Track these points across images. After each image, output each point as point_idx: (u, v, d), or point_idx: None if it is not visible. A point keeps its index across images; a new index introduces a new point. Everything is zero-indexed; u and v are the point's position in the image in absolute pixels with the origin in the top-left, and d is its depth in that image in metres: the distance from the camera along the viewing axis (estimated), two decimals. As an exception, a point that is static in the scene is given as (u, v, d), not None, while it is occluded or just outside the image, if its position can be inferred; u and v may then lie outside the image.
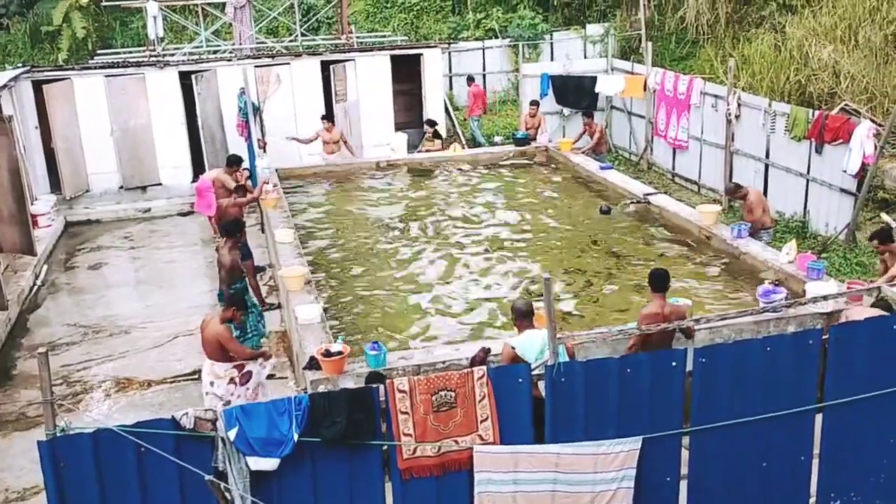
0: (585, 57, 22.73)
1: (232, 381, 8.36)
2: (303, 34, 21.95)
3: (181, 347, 10.95)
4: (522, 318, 7.44)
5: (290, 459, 5.59)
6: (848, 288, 9.00)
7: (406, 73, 18.94)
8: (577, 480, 5.90)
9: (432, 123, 17.79)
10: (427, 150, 17.73)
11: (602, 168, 15.52)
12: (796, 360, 6.01)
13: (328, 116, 16.71)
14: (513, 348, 7.14)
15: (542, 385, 6.05)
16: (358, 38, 21.48)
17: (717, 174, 16.05)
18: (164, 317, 11.90)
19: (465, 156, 17.48)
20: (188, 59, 18.23)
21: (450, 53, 22.16)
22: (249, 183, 13.78)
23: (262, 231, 14.53)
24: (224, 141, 17.15)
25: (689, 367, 5.96)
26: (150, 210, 17.00)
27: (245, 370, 8.42)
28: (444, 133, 18.82)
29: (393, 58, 18.37)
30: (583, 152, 16.53)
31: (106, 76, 16.80)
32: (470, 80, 20.82)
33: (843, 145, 12.88)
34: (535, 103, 18.01)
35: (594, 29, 23.26)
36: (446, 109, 19.91)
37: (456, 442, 5.85)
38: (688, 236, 12.27)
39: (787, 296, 9.03)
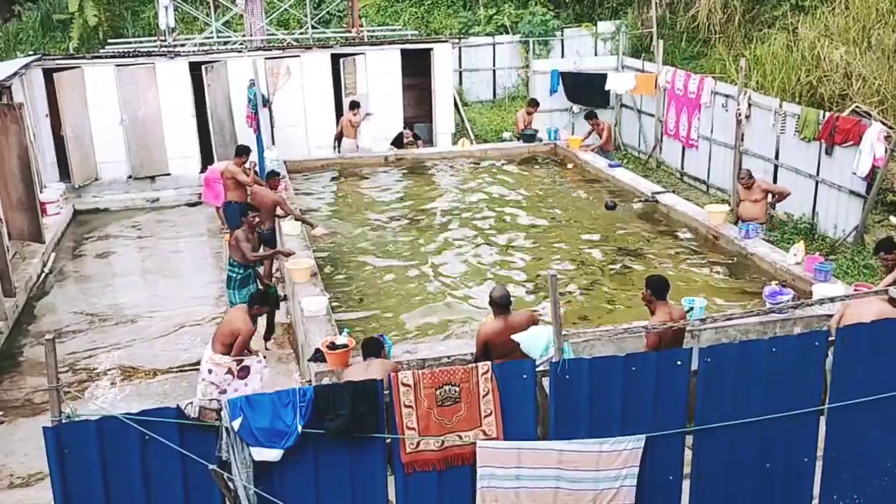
0: (596, 54, 22.68)
1: (229, 371, 8.40)
2: (313, 27, 21.96)
3: (187, 337, 10.98)
4: (498, 307, 7.47)
5: (294, 451, 5.60)
6: (855, 290, 8.98)
7: (416, 68, 18.92)
8: (579, 478, 5.89)
9: (411, 127, 18.01)
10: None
11: (611, 166, 15.51)
12: (802, 361, 5.99)
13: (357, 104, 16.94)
14: (505, 341, 7.16)
15: (546, 382, 6.04)
16: (368, 31, 21.48)
17: (726, 174, 16.00)
18: (170, 306, 11.93)
19: (473, 151, 17.48)
20: (199, 50, 18.26)
21: (460, 48, 22.13)
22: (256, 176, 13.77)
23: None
24: (233, 132, 17.17)
25: (695, 366, 5.95)
26: (158, 200, 17.03)
27: (243, 364, 8.44)
28: (452, 129, 18.89)
29: (403, 52, 18.36)
30: (591, 150, 16.51)
31: (116, 65, 16.82)
32: None
33: (854, 147, 12.83)
34: (535, 103, 17.82)
35: (605, 26, 23.19)
36: (455, 105, 19.89)
37: (459, 437, 5.85)
38: (695, 236, 12.25)
39: (793, 297, 9.02)
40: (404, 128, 18.20)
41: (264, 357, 8.98)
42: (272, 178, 12.52)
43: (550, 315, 5.92)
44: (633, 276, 10.95)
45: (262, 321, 10.37)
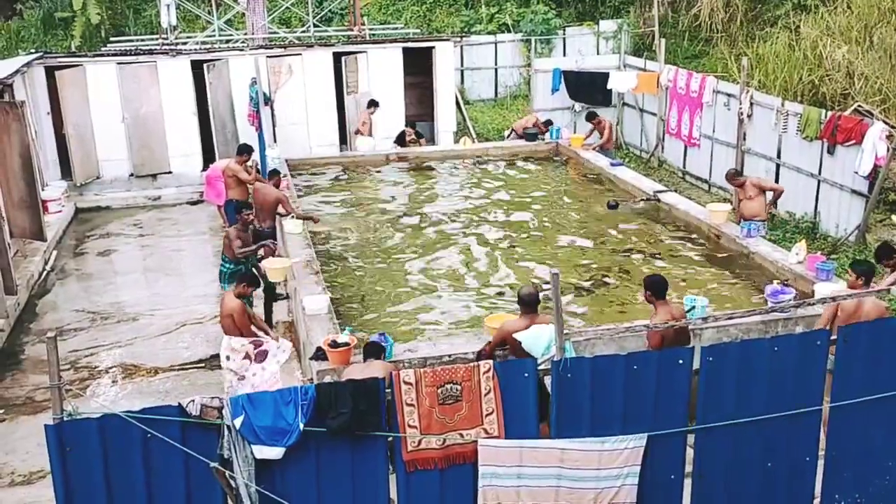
0: (598, 53, 22.68)
1: (247, 356, 8.46)
2: (315, 25, 21.97)
3: (188, 335, 10.98)
4: (524, 305, 7.43)
5: (295, 449, 5.60)
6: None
7: (418, 66, 18.92)
8: (581, 476, 5.89)
9: (413, 125, 17.74)
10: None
11: (612, 165, 15.50)
12: (803, 360, 5.99)
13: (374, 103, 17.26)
14: (519, 343, 7.13)
15: (548, 380, 6.04)
16: (370, 30, 21.48)
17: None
18: (171, 304, 11.93)
19: (475, 150, 17.48)
20: (200, 48, 18.25)
21: (462, 47, 22.13)
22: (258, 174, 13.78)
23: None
24: (235, 130, 17.18)
25: (696, 365, 5.94)
26: (159, 198, 17.03)
27: (261, 348, 8.51)
28: (454, 127, 18.88)
29: (405, 50, 18.35)
30: (592, 149, 16.51)
31: (118, 63, 16.82)
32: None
33: (856, 146, 12.82)
34: (550, 124, 17.76)
35: (607, 25, 23.19)
36: (457, 103, 19.89)
37: (461, 435, 5.85)
38: (697, 235, 12.25)
39: (795, 296, 9.01)
40: (406, 125, 18.18)
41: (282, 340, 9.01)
42: (274, 177, 12.53)
43: (553, 313, 5.92)
44: (634, 275, 10.94)
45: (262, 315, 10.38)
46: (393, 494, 5.97)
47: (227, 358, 8.58)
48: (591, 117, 16.88)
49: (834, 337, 6.13)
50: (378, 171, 16.43)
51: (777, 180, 14.53)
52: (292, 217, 12.02)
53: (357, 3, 21.53)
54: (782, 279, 9.85)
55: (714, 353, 5.94)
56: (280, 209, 11.94)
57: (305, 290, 9.69)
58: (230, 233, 10.29)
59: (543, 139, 17.48)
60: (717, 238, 11.83)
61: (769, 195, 11.87)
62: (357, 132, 17.34)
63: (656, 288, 7.55)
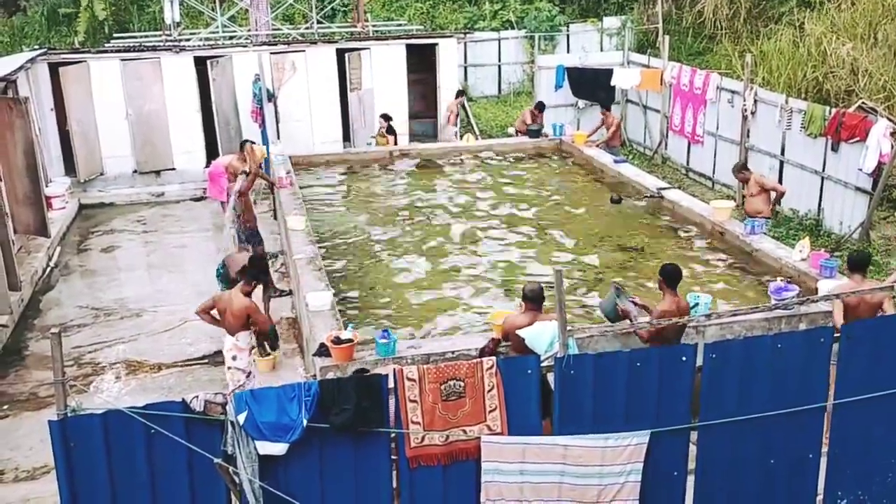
0: (602, 50, 22.66)
1: (253, 350, 8.49)
2: (318, 22, 21.96)
3: (192, 331, 10.98)
4: (529, 301, 7.46)
5: (298, 445, 5.61)
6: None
7: (421, 63, 18.91)
8: (584, 473, 5.90)
9: (387, 118, 17.23)
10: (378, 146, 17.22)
11: (616, 162, 15.47)
12: (807, 357, 5.98)
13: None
14: (522, 339, 7.14)
15: (551, 377, 6.04)
16: (373, 26, 21.48)
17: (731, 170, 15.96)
18: (175, 301, 11.95)
19: (478, 147, 17.46)
20: (204, 45, 18.26)
21: (465, 44, 22.12)
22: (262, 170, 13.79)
23: (275, 217, 14.58)
24: (238, 127, 17.18)
25: (699, 362, 5.94)
26: (163, 194, 17.05)
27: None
28: (457, 124, 18.86)
29: (408, 47, 18.34)
30: (597, 145, 16.49)
31: (122, 60, 16.83)
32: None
33: (860, 143, 12.80)
34: (542, 107, 17.75)
35: (611, 22, 23.18)
36: (460, 100, 19.87)
37: (464, 431, 5.86)
38: (701, 232, 12.23)
39: (799, 293, 9.00)
40: (381, 116, 17.38)
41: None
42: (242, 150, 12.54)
43: (556, 311, 5.91)
44: (637, 272, 10.93)
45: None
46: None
47: (234, 358, 8.56)
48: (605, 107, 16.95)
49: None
50: (381, 168, 16.41)
51: (781, 177, 14.52)
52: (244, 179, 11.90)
53: (360, -1, 21.54)
54: (786, 276, 9.83)
55: (717, 350, 5.95)
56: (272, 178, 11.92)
57: (308, 287, 9.69)
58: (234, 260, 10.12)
59: (542, 129, 17.41)
60: (720, 235, 11.82)
61: (772, 194, 11.85)
62: (447, 121, 17.59)
63: (669, 276, 7.73)
